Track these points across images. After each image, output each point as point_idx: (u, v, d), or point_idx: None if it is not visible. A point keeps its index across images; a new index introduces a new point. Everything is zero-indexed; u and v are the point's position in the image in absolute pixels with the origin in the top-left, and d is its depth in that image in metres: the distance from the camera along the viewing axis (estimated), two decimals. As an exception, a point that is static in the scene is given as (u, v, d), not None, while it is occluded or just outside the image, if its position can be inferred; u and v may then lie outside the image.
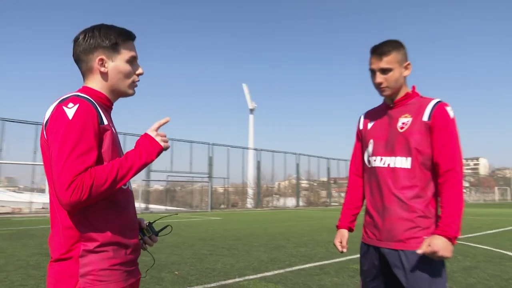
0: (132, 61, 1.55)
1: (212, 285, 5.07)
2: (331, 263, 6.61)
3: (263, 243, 9.17)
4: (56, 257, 1.38)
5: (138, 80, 1.58)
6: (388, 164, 1.99)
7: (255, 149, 35.49)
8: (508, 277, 5.50)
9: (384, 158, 2.01)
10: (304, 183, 40.37)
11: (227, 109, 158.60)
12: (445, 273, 1.91)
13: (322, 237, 10.65)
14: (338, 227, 2.31)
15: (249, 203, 35.67)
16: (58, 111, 1.35)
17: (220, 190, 35.01)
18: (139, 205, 26.16)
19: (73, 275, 1.34)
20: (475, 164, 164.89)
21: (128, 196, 1.51)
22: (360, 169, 2.23)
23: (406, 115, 1.99)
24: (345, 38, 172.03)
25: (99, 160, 1.37)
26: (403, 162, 1.95)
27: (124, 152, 1.46)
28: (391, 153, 1.99)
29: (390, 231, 1.94)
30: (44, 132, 1.40)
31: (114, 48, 1.51)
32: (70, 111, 1.33)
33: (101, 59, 1.50)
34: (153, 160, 1.42)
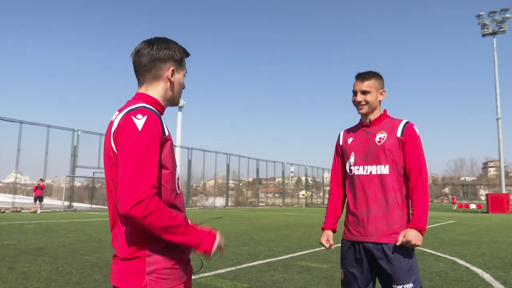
0: (184, 76, 1.73)
1: (170, 282, 5.19)
2: (276, 261, 7.01)
3: (205, 242, 9.34)
4: (123, 256, 1.46)
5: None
6: (370, 172, 2.38)
7: (187, 148, 35.20)
8: (431, 271, 6.30)
9: (365, 166, 2.41)
10: (230, 183, 40.78)
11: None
12: (416, 259, 2.33)
13: (259, 236, 11.10)
14: (323, 229, 2.63)
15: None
16: (127, 121, 1.42)
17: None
18: (62, 203, 24.78)
19: (140, 272, 1.43)
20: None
21: (182, 199, 1.64)
22: (340, 179, 2.62)
23: (382, 131, 2.41)
24: (276, 36, 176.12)
25: (163, 167, 1.48)
26: (382, 169, 2.35)
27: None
28: (371, 162, 2.39)
29: (374, 228, 2.30)
30: (112, 140, 1.47)
31: (181, 62, 1.67)
32: (140, 122, 1.40)
33: (173, 70, 1.63)
34: (191, 247, 1.47)
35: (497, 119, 38.59)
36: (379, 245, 2.29)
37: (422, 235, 2.25)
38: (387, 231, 2.29)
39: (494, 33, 42.09)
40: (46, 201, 23.55)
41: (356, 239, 2.40)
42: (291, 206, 44.91)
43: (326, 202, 55.74)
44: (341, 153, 2.61)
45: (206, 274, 5.70)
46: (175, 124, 52.54)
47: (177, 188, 1.56)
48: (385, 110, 2.52)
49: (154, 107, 1.55)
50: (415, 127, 2.40)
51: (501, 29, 41.88)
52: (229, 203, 38.80)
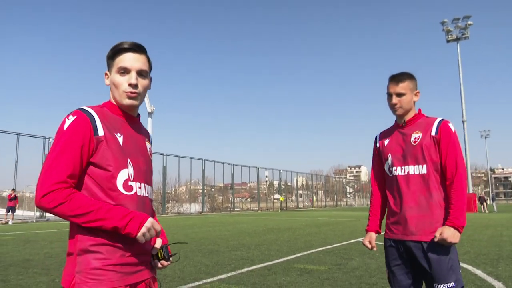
0: (123, 72, 1.63)
1: (176, 289, 5.14)
2: (273, 264, 7.05)
3: (195, 249, 9.28)
4: (67, 252, 1.54)
5: (130, 91, 1.62)
6: (408, 172, 2.44)
7: (162, 154, 34.69)
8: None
9: (403, 167, 2.46)
10: (201, 189, 40.44)
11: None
12: (457, 258, 2.37)
13: (247, 241, 11.10)
14: (367, 231, 2.68)
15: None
16: (62, 121, 1.53)
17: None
18: (34, 213, 23.86)
19: (72, 271, 1.47)
20: (357, 172, 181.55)
21: (134, 201, 1.59)
22: (380, 180, 2.67)
23: (417, 131, 2.46)
24: (250, 43, 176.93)
25: (94, 165, 1.52)
26: (419, 169, 2.40)
27: (138, 157, 1.65)
28: (409, 162, 2.44)
29: (414, 226, 2.36)
30: None
31: (111, 63, 1.67)
32: (68, 122, 1.51)
33: (106, 74, 1.69)
34: (121, 232, 1.46)
35: (463, 121, 40.21)
36: (419, 243, 2.34)
37: (460, 232, 2.26)
38: (427, 230, 2.33)
39: (457, 39, 43.88)
40: (17, 211, 22.57)
41: (397, 238, 2.45)
42: (266, 210, 45.02)
43: (300, 206, 56.61)
44: (378, 155, 2.66)
45: (209, 280, 5.68)
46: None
47: (121, 189, 1.54)
48: (419, 110, 2.56)
49: (110, 110, 1.64)
50: (450, 124, 2.41)
51: (464, 36, 43.73)
52: (205, 209, 38.48)
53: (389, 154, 2.55)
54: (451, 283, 2.25)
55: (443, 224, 2.34)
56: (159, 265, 1.68)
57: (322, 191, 68.62)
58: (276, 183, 54.64)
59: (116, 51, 1.65)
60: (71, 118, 1.51)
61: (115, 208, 1.48)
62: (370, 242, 2.63)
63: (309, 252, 8.67)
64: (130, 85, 1.62)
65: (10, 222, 20.66)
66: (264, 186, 54.45)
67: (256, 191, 48.71)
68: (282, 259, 7.62)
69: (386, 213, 2.62)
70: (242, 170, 44.78)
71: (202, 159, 38.79)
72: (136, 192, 1.59)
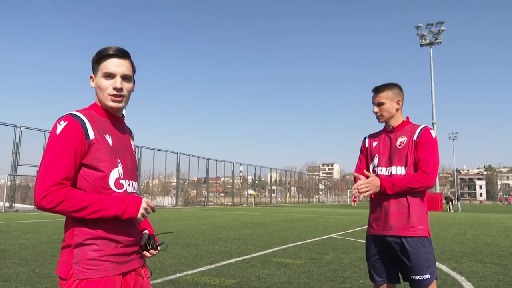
0: (108, 76, 1.73)
1: (158, 281, 5.27)
2: (251, 258, 7.26)
3: (173, 241, 9.38)
4: (62, 245, 1.67)
5: (115, 94, 1.73)
6: (391, 172, 2.66)
7: (136, 147, 34.30)
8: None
9: (387, 168, 2.70)
10: (174, 183, 40.28)
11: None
12: (433, 251, 2.59)
13: (223, 235, 11.28)
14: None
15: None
16: (53, 126, 1.64)
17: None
18: (3, 203, 23.25)
19: (69, 262, 1.60)
20: (329, 169, 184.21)
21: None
22: (362, 175, 2.89)
23: (403, 136, 2.70)
24: (226, 32, 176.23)
25: (87, 167, 1.64)
26: (401, 170, 2.63)
27: (131, 156, 1.83)
28: (392, 163, 2.67)
29: (393, 222, 2.57)
30: None
31: (96, 67, 1.77)
32: (59, 127, 1.61)
33: (91, 77, 1.79)
34: (122, 218, 1.61)
35: (433, 123, 41.52)
36: (398, 238, 2.55)
37: (380, 190, 2.54)
38: (405, 225, 2.53)
39: (431, 44, 45.21)
40: (-16, 201, 21.99)
41: (377, 233, 2.67)
42: (240, 205, 45.26)
43: (273, 201, 57.10)
44: (365, 155, 2.88)
45: (190, 272, 5.85)
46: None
47: (113, 187, 1.68)
48: (407, 117, 2.79)
49: (97, 113, 1.75)
50: (431, 131, 2.64)
51: (437, 40, 45.10)
52: (178, 203, 38.37)
53: (376, 155, 2.78)
54: (427, 275, 2.47)
55: (422, 222, 2.54)
56: (148, 254, 1.82)
57: (295, 188, 69.46)
58: (250, 178, 54.95)
59: (101, 56, 1.75)
60: (63, 124, 1.61)
61: (110, 197, 1.61)
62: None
63: (284, 246, 8.94)
64: (115, 88, 1.72)
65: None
66: (238, 181, 54.69)
67: (230, 186, 48.86)
68: (259, 253, 7.85)
69: (369, 209, 2.84)
70: (218, 164, 44.86)
71: (177, 153, 38.64)
72: (126, 189, 1.72)
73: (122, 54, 1.77)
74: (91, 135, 1.64)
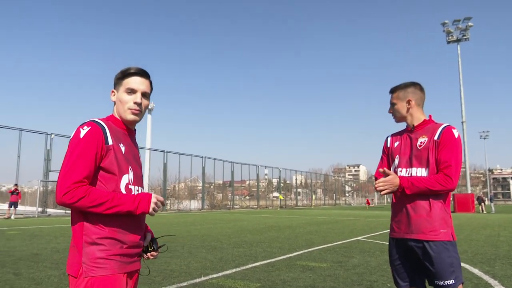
0: (130, 92, 1.92)
1: (184, 284, 5.32)
2: (276, 261, 7.24)
3: (199, 245, 9.47)
4: (71, 244, 1.78)
5: (134, 108, 1.91)
6: (411, 174, 2.58)
7: (162, 151, 34.85)
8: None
9: (408, 169, 2.61)
10: (200, 186, 40.64)
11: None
12: (458, 256, 2.49)
13: (248, 238, 11.29)
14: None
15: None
16: (76, 130, 1.79)
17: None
18: (36, 208, 24.03)
19: (78, 261, 1.72)
20: (356, 171, 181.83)
21: None
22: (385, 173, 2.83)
23: (423, 135, 2.60)
24: (252, 40, 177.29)
25: (103, 170, 1.78)
26: (422, 172, 2.54)
27: (140, 164, 2.00)
28: (413, 165, 2.59)
29: (415, 226, 2.49)
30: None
31: (119, 83, 1.95)
32: (83, 131, 1.76)
33: (112, 91, 1.96)
34: (135, 213, 1.77)
35: (462, 122, 40.39)
36: (420, 242, 2.46)
37: (399, 190, 2.46)
38: (427, 229, 2.44)
39: (458, 40, 44.02)
40: (19, 206, 22.76)
41: (399, 236, 2.59)
42: (265, 208, 45.23)
43: (299, 204, 56.83)
44: (387, 155, 2.81)
45: (215, 275, 5.87)
46: (145, 127, 51.74)
47: (123, 191, 1.81)
48: (430, 116, 2.69)
49: (113, 124, 1.90)
50: (453, 130, 2.50)
51: (465, 37, 43.87)
52: (204, 206, 38.68)
53: (397, 156, 2.70)
54: (451, 280, 2.37)
55: (445, 225, 2.46)
56: (150, 256, 1.98)
57: (321, 190, 68.89)
58: (275, 181, 54.85)
59: (126, 74, 1.93)
60: (86, 129, 1.76)
61: (124, 195, 1.76)
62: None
63: (310, 249, 8.86)
64: (135, 103, 1.91)
65: (12, 217, 20.86)
66: (263, 184, 54.67)
67: (255, 189, 48.90)
68: (284, 256, 7.81)
69: (391, 213, 2.78)
70: (242, 168, 45.01)
71: (202, 157, 38.99)
72: (134, 194, 1.86)
73: (144, 73, 1.97)
74: (110, 141, 1.80)
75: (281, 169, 52.80)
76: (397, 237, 2.63)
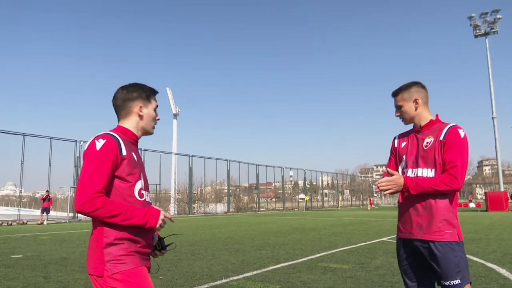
0: (155, 109, 2.17)
1: (205, 286, 5.40)
2: (298, 263, 7.24)
3: (222, 248, 9.57)
4: (90, 247, 1.91)
5: (156, 124, 2.19)
6: (417, 174, 2.55)
7: (187, 155, 35.30)
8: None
9: (414, 169, 2.59)
10: (227, 189, 40.90)
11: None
12: (464, 256, 2.45)
13: (272, 240, 11.31)
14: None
15: (173, 209, 35.30)
16: (91, 143, 1.91)
17: (152, 196, 34.45)
18: (67, 214, 24.81)
19: (101, 261, 1.85)
20: (383, 171, 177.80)
21: (144, 205, 2.01)
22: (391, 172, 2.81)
23: (430, 136, 2.58)
24: (273, 44, 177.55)
25: (118, 178, 1.92)
26: (428, 172, 2.52)
27: (144, 170, 2.13)
28: (419, 165, 2.56)
29: (421, 226, 2.47)
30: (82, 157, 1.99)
31: (148, 99, 2.13)
32: (99, 144, 1.88)
33: (141, 106, 2.10)
34: (144, 227, 1.91)
35: (493, 118, 39.12)
36: (425, 242, 2.44)
37: (403, 190, 2.45)
38: (432, 229, 2.42)
39: (486, 34, 42.75)
40: (51, 212, 23.57)
41: (406, 237, 2.57)
42: (291, 210, 45.09)
43: (325, 205, 56.34)
44: (395, 155, 2.79)
45: (235, 278, 5.93)
46: (171, 132, 52.53)
47: (137, 196, 1.97)
48: (437, 115, 2.66)
49: (124, 135, 2.03)
50: (459, 130, 2.47)
51: (493, 30, 42.56)
52: (230, 209, 38.90)
53: (404, 156, 2.68)
54: (457, 280, 2.34)
55: (450, 225, 2.42)
56: (159, 254, 2.14)
57: (348, 191, 68.09)
58: (301, 182, 54.57)
59: (154, 93, 2.17)
60: (102, 141, 1.89)
61: (136, 208, 1.90)
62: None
63: (333, 251, 8.80)
64: (158, 120, 2.20)
65: (45, 223, 21.60)
66: (289, 186, 54.48)
67: (281, 191, 48.82)
68: (306, 258, 7.79)
69: (397, 212, 2.76)
70: (267, 170, 45.04)
71: (227, 160, 39.26)
72: (145, 198, 2.04)
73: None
74: (124, 152, 1.94)
75: (306, 170, 52.53)
76: (403, 237, 2.62)
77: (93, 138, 1.93)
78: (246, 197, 44.88)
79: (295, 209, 47.00)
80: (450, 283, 2.36)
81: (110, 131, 2.00)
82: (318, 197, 59.84)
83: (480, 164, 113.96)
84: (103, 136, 1.92)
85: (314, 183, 60.61)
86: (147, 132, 2.15)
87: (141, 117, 2.09)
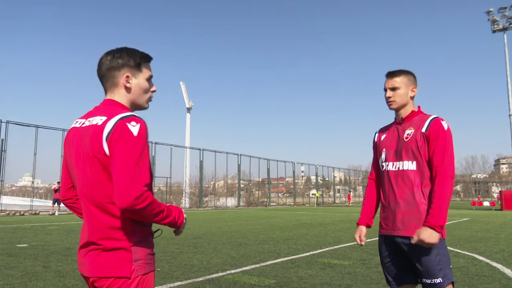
0: (150, 79, 1.80)
1: (200, 279, 5.38)
2: (298, 258, 7.18)
3: (225, 241, 9.55)
4: (109, 247, 1.60)
5: (152, 96, 1.82)
6: (398, 168, 2.46)
7: (198, 149, 35.44)
8: (452, 266, 6.41)
9: (394, 163, 2.49)
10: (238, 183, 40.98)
11: (166, 107, 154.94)
12: (447, 253, 2.37)
13: (277, 235, 11.26)
14: (358, 224, 2.72)
15: (186, 202, 35.55)
16: (123, 127, 1.55)
17: (163, 189, 34.74)
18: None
19: (129, 260, 1.60)
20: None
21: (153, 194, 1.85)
22: (374, 174, 2.72)
23: (411, 127, 2.47)
24: (283, 39, 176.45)
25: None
26: (409, 165, 2.42)
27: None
28: (400, 158, 2.47)
29: (402, 222, 2.39)
30: (104, 143, 1.56)
31: (137, 67, 1.74)
32: (135, 128, 1.55)
33: (127, 76, 1.72)
34: (176, 225, 1.71)
35: (510, 115, 38.27)
36: (406, 239, 2.35)
37: (437, 231, 2.22)
38: (414, 226, 2.33)
39: (504, 29, 41.76)
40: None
41: (387, 233, 2.49)
42: (302, 205, 44.97)
43: (337, 201, 56.08)
44: (376, 150, 2.71)
45: (233, 271, 5.89)
46: (184, 126, 52.80)
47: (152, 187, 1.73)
48: (418, 107, 2.57)
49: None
50: (443, 122, 2.38)
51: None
52: (241, 203, 38.98)
53: (384, 149, 2.59)
54: (439, 279, 2.27)
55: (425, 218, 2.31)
56: None
57: (361, 187, 67.61)
58: (313, 178, 54.35)
59: (146, 59, 1.78)
60: (136, 125, 1.56)
61: (169, 206, 1.69)
62: (359, 236, 2.66)
63: (336, 247, 8.71)
64: (153, 91, 1.82)
65: (56, 213, 21.96)
66: (301, 181, 54.28)
67: (293, 186, 48.74)
68: (307, 253, 7.72)
69: (380, 208, 2.67)
70: (278, 165, 44.96)
71: (238, 154, 39.29)
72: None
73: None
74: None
75: (318, 166, 52.28)
76: (385, 234, 2.54)
77: (118, 120, 1.57)
78: (258, 192, 44.89)
79: (306, 205, 46.86)
80: (431, 281, 2.29)
81: (111, 106, 1.69)
82: (330, 193, 59.54)
83: (497, 163, 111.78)
84: (133, 118, 1.59)
85: (327, 179, 60.29)
86: (139, 107, 1.78)
87: (128, 89, 1.72)
